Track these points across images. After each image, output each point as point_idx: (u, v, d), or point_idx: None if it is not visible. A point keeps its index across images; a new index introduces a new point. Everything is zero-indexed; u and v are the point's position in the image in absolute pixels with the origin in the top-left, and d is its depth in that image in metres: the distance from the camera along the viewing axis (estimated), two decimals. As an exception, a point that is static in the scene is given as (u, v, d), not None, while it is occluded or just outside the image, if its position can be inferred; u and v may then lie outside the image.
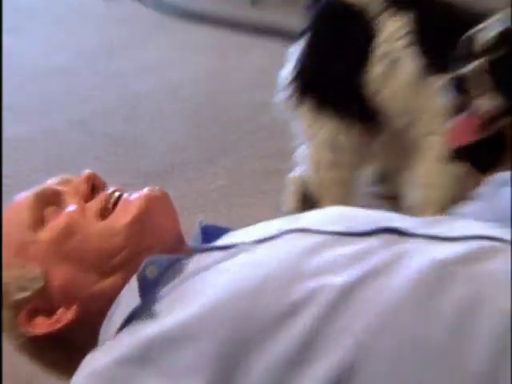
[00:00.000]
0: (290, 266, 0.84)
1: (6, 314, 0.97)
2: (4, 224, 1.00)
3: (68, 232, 0.95)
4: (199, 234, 1.03)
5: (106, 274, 0.95)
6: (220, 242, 0.97)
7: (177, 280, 0.90)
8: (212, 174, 2.51)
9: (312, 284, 0.79)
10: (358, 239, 0.86)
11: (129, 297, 0.90)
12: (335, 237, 0.88)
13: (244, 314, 0.79)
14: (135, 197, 0.98)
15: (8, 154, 2.34)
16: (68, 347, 0.97)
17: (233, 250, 0.92)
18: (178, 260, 0.94)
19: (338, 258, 0.83)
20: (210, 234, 1.02)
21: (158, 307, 0.86)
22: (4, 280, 0.96)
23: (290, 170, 2.20)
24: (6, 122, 2.74)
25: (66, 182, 1.03)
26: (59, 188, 1.02)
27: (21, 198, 1.02)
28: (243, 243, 0.92)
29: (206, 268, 0.89)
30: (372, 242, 0.85)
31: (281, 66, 2.00)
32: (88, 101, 3.15)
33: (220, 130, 2.85)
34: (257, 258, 0.88)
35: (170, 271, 0.92)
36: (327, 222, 0.92)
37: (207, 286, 0.85)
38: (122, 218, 0.96)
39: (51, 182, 1.04)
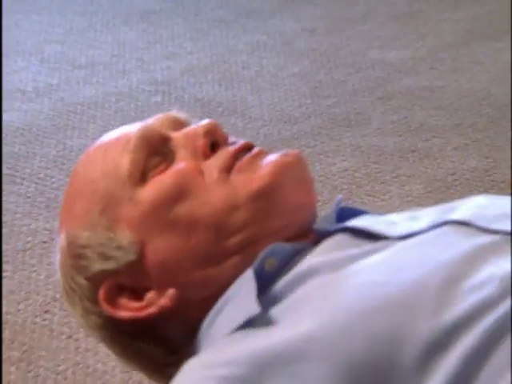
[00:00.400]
0: (445, 276, 0.66)
1: (82, 286, 0.81)
2: (87, 167, 0.85)
3: (178, 195, 0.78)
4: (333, 214, 0.82)
5: (216, 257, 0.78)
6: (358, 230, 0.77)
7: (297, 276, 0.73)
8: (333, 151, 2.02)
9: (471, 306, 0.63)
10: None
11: (243, 296, 0.74)
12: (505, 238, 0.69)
13: (380, 338, 0.63)
14: (267, 161, 0.80)
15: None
16: (154, 341, 0.81)
17: (369, 246, 0.74)
18: (304, 249, 0.76)
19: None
20: (345, 217, 0.81)
21: (274, 311, 0.70)
22: (81, 241, 0.81)
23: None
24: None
25: (176, 125, 0.86)
26: (169, 133, 0.84)
27: (116, 138, 0.85)
28: (385, 236, 0.75)
29: (335, 265, 0.71)
30: None
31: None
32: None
33: (342, 97, 2.30)
34: (401, 261, 0.70)
35: (291, 262, 0.75)
36: (494, 216, 0.73)
37: (335, 293, 0.68)
38: (247, 186, 0.78)
39: (158, 123, 0.86)
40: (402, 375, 0.63)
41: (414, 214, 0.81)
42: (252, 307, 0.71)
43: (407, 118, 2.10)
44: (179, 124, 0.87)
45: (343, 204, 0.86)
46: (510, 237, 0.70)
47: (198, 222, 0.78)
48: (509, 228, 0.71)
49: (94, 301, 0.81)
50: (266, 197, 0.78)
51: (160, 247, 0.79)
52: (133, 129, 0.84)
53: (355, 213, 0.84)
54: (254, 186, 0.78)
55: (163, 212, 0.78)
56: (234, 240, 0.78)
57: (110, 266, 0.80)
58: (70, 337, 1.46)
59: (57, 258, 0.86)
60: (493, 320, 0.62)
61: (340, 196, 0.87)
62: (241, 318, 0.71)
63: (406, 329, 0.64)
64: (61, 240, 0.84)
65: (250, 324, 0.70)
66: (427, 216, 0.78)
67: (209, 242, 0.78)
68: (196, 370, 0.69)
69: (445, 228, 0.74)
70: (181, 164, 0.80)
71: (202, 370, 0.68)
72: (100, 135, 0.90)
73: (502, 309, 0.63)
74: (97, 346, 1.38)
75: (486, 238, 0.70)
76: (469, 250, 0.70)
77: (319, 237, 0.79)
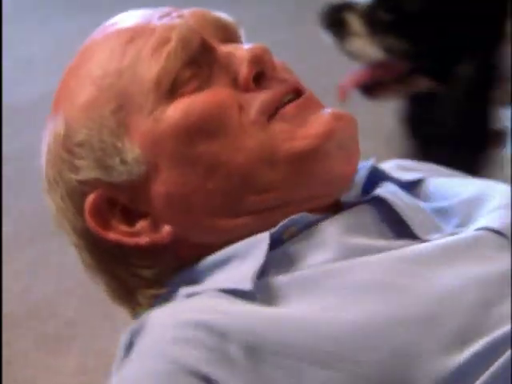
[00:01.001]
0: (480, 296, 0.59)
1: (68, 188, 0.69)
2: (105, 51, 0.69)
3: (207, 127, 0.66)
4: (361, 181, 0.72)
5: (230, 210, 0.67)
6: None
7: (309, 249, 0.64)
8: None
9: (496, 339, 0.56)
10: None
11: (251, 259, 0.63)
12: None
13: (399, 352, 0.56)
14: (318, 117, 0.68)
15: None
16: (131, 268, 0.69)
17: (393, 240, 0.66)
18: (324, 218, 0.67)
19: None
20: (376, 181, 0.72)
21: (279, 283, 0.62)
22: (79, 138, 0.68)
23: None
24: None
25: (220, 33, 0.71)
26: (212, 43, 0.69)
27: (145, 27, 0.69)
28: (413, 231, 0.67)
29: (350, 252, 0.63)
30: None
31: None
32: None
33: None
34: (431, 267, 0.62)
35: (305, 232, 0.66)
36: None
37: (354, 289, 0.60)
38: (289, 142, 0.66)
39: (199, 24, 0.69)
40: None
41: (445, 206, 0.73)
42: (249, 275, 0.63)
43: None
44: (225, 33, 0.72)
45: (375, 165, 0.75)
46: None
47: (222, 166, 0.66)
48: None
49: (78, 208, 0.69)
50: (306, 161, 0.67)
51: (170, 179, 0.67)
52: (167, 21, 0.69)
53: (387, 178, 0.74)
54: (296, 144, 0.67)
55: (185, 142, 0.67)
56: (255, 198, 0.67)
57: (105, 177, 0.68)
58: None
59: (46, 139, 0.72)
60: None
61: (372, 159, 0.75)
62: (242, 284, 0.62)
63: (426, 346, 0.57)
64: (56, 123, 0.71)
65: (242, 293, 0.62)
66: (460, 212, 0.71)
67: (227, 191, 0.67)
68: (168, 327, 0.61)
69: (482, 234, 0.66)
70: (218, 90, 0.67)
71: (175, 328, 0.60)
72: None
73: None
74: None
75: None
76: (505, 269, 0.62)
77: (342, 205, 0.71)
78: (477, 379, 0.56)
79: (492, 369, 0.56)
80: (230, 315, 0.59)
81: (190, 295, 0.65)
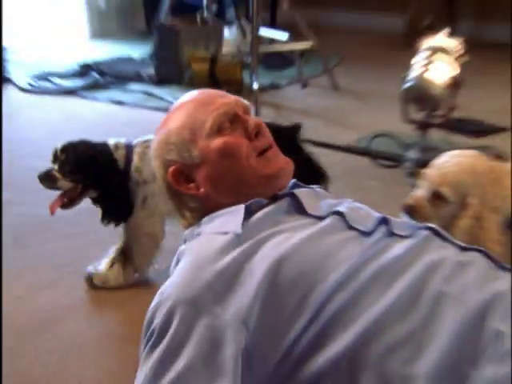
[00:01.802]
0: (337, 252, 1.14)
1: (163, 161, 1.31)
2: (191, 108, 1.31)
3: (231, 152, 1.25)
4: (289, 187, 1.33)
5: (231, 191, 1.27)
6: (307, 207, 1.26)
7: (266, 219, 1.21)
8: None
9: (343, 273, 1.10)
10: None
11: (235, 215, 1.21)
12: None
13: (308, 270, 1.11)
14: (277, 162, 1.30)
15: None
16: (182, 201, 1.33)
17: (299, 218, 1.23)
18: (270, 203, 1.25)
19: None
20: (295, 187, 1.34)
21: (246, 236, 1.16)
22: (171, 139, 1.29)
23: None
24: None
25: (242, 109, 1.31)
26: (240, 113, 1.29)
27: (213, 99, 1.31)
28: (306, 212, 1.25)
29: (279, 224, 1.20)
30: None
31: None
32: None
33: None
34: (317, 235, 1.17)
35: (264, 210, 1.23)
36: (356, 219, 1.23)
37: (288, 245, 1.13)
38: (265, 169, 1.27)
39: (235, 103, 1.31)
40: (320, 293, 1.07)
41: (325, 203, 1.28)
42: (237, 225, 1.18)
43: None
44: (244, 109, 1.32)
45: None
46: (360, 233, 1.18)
47: (233, 168, 1.26)
48: (364, 229, 1.18)
49: (165, 171, 1.30)
50: (269, 179, 1.28)
51: (208, 170, 1.27)
52: (221, 99, 1.30)
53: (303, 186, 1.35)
54: (267, 171, 1.27)
55: (219, 154, 1.25)
56: (244, 190, 1.27)
57: (180, 160, 1.28)
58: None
59: (155, 140, 1.33)
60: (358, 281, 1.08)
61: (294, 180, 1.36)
62: (231, 228, 1.18)
63: (324, 274, 1.09)
64: (162, 133, 1.31)
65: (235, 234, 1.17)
66: (328, 206, 1.26)
67: (233, 182, 1.26)
68: (198, 253, 1.16)
69: (336, 217, 1.21)
70: (238, 137, 1.27)
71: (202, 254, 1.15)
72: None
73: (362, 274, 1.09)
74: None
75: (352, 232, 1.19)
76: (347, 236, 1.17)
77: (278, 195, 1.29)
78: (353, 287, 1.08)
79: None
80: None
81: (199, 234, 1.24)
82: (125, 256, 1.95)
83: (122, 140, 1.92)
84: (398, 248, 1.14)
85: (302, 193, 1.27)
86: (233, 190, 1.27)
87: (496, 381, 0.97)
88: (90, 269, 1.95)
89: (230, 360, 1.04)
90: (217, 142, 1.25)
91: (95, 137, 1.88)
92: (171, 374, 1.03)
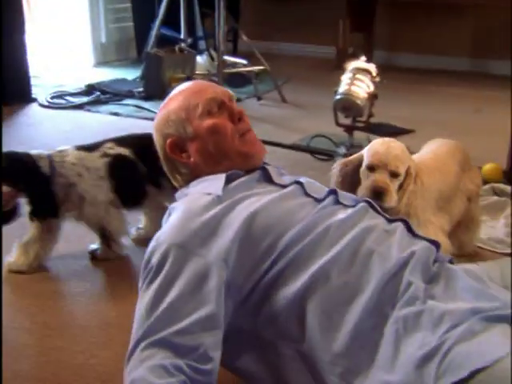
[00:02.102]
0: (295, 210, 1.16)
1: (162, 134, 1.30)
2: (185, 95, 1.29)
3: (217, 131, 1.24)
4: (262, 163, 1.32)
5: (216, 163, 1.25)
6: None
7: (242, 185, 1.20)
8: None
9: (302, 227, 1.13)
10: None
11: (218, 181, 1.19)
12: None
13: (275, 223, 1.12)
14: (254, 144, 1.29)
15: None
16: (175, 167, 1.31)
17: (269, 185, 1.24)
18: (245, 174, 1.24)
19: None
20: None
21: (226, 197, 1.16)
22: (171, 117, 1.28)
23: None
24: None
25: (229, 97, 1.30)
26: (226, 101, 1.27)
27: (203, 89, 1.29)
28: (275, 182, 1.25)
29: (253, 188, 1.21)
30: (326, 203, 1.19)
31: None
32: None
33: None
34: (283, 198, 1.18)
35: (241, 179, 1.22)
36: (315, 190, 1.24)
37: (259, 205, 1.13)
38: (243, 148, 1.26)
39: (222, 92, 1.30)
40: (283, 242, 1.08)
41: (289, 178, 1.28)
42: (218, 189, 1.17)
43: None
44: (230, 98, 1.30)
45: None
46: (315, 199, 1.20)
47: (219, 144, 1.25)
48: (317, 196, 1.20)
49: (164, 142, 1.29)
50: (245, 155, 1.26)
51: (199, 143, 1.25)
52: (212, 88, 1.30)
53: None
54: (244, 149, 1.27)
55: (208, 133, 1.24)
56: (226, 162, 1.25)
57: (177, 133, 1.27)
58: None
59: (156, 117, 1.32)
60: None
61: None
62: (214, 190, 1.16)
63: (287, 227, 1.10)
64: (163, 112, 1.30)
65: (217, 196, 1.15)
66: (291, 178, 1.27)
67: (218, 155, 1.25)
68: (187, 207, 1.15)
69: (296, 185, 1.23)
70: (225, 120, 1.26)
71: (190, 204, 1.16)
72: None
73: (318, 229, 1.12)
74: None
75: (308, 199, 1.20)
76: (304, 201, 1.19)
77: (258, 169, 1.27)
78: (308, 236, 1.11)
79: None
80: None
81: (188, 194, 1.22)
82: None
83: (43, 151, 1.80)
84: (343, 214, 1.16)
85: (270, 168, 1.28)
86: (217, 161, 1.25)
87: (406, 318, 0.98)
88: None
89: (214, 290, 1.03)
90: (208, 122, 1.24)
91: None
92: (165, 302, 1.02)
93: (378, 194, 1.50)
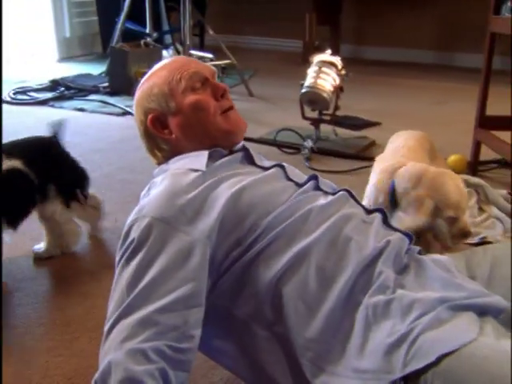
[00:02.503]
0: (281, 192, 1.16)
1: (144, 108, 1.27)
2: (167, 71, 1.27)
3: (200, 107, 1.22)
4: (241, 144, 1.30)
5: (198, 140, 1.23)
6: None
7: (226, 165, 1.18)
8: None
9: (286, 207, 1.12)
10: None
11: (201, 157, 1.18)
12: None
13: (258, 204, 1.10)
14: (236, 120, 1.27)
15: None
16: (156, 143, 1.28)
17: (251, 167, 1.23)
18: (229, 155, 1.23)
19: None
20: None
21: (210, 175, 1.14)
22: (154, 91, 1.25)
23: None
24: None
25: (212, 74, 1.28)
26: (209, 77, 1.26)
27: (185, 64, 1.27)
28: (257, 164, 1.24)
29: (235, 169, 1.18)
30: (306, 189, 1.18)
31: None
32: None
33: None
34: (266, 180, 1.17)
35: (224, 159, 1.21)
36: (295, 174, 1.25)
37: (239, 185, 1.11)
38: (225, 125, 1.24)
39: (205, 69, 1.28)
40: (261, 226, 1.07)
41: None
42: (202, 165, 1.16)
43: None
44: (213, 74, 1.29)
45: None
46: (296, 185, 1.19)
47: (201, 120, 1.23)
48: (298, 181, 1.20)
49: (145, 117, 1.27)
50: (227, 132, 1.25)
51: (181, 118, 1.23)
52: (195, 64, 1.28)
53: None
54: (226, 126, 1.24)
55: (192, 108, 1.22)
56: (207, 140, 1.23)
57: (159, 108, 1.24)
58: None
59: (139, 90, 1.29)
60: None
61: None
62: (198, 166, 1.16)
63: (271, 207, 1.10)
64: (145, 85, 1.28)
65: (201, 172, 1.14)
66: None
67: (199, 132, 1.23)
68: (165, 184, 1.12)
69: (278, 168, 1.22)
70: (208, 97, 1.24)
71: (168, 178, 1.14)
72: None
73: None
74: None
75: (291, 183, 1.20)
76: (286, 184, 1.18)
77: (234, 150, 1.26)
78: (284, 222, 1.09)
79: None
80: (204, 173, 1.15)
81: (167, 170, 1.20)
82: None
83: None
84: (324, 199, 1.16)
85: (252, 151, 1.27)
86: (198, 138, 1.23)
87: (375, 305, 0.99)
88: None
89: (198, 268, 1.02)
90: (190, 98, 1.22)
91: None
92: (147, 278, 0.99)
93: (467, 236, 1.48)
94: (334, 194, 1.20)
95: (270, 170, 1.21)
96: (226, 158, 1.21)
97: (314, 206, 1.12)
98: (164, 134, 1.25)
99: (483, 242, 1.89)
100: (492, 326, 0.96)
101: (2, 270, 1.65)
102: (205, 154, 1.19)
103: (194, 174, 1.13)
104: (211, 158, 1.19)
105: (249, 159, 1.25)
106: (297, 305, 1.02)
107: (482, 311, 0.98)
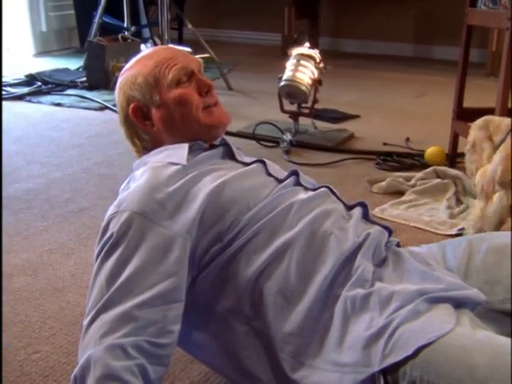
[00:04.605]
0: (260, 187, 1.15)
1: (127, 96, 1.25)
2: (153, 61, 1.23)
3: (185, 101, 1.21)
4: (220, 139, 1.29)
5: (179, 133, 1.22)
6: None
7: (206, 159, 1.19)
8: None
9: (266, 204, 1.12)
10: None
11: (181, 150, 1.18)
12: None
13: (239, 198, 1.10)
14: (219, 114, 1.25)
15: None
16: (136, 131, 1.26)
17: (230, 162, 1.23)
18: (209, 149, 1.23)
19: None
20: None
21: (190, 168, 1.14)
22: (137, 80, 1.23)
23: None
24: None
25: (199, 68, 1.26)
26: (196, 71, 1.24)
27: (174, 57, 1.24)
28: (237, 159, 1.24)
29: (214, 164, 1.19)
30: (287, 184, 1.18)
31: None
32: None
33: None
34: (245, 176, 1.16)
35: (204, 153, 1.21)
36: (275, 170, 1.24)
37: (220, 180, 1.11)
38: (208, 119, 1.23)
39: (192, 62, 1.26)
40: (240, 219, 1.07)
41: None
42: (183, 158, 1.15)
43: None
44: (200, 67, 1.27)
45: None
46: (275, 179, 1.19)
47: (184, 115, 1.21)
48: (279, 177, 1.19)
49: (127, 105, 1.24)
50: (208, 127, 1.23)
51: (164, 111, 1.21)
52: (183, 57, 1.25)
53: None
54: (208, 121, 1.23)
55: (175, 102, 1.20)
56: (189, 134, 1.22)
57: (142, 98, 1.22)
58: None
59: (122, 77, 1.27)
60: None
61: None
62: (178, 160, 1.15)
63: (251, 202, 1.10)
64: (129, 73, 1.25)
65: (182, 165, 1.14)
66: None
67: (181, 126, 1.22)
68: (144, 179, 1.11)
69: (258, 163, 1.22)
70: (193, 92, 1.22)
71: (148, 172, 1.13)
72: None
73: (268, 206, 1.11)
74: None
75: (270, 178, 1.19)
76: (267, 180, 1.18)
77: (214, 145, 1.26)
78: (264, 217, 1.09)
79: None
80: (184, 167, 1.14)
81: (147, 162, 1.19)
82: None
83: None
84: (304, 195, 1.16)
85: (232, 146, 1.27)
86: (180, 132, 1.22)
87: (354, 298, 0.99)
88: None
89: (178, 263, 1.01)
90: (175, 92, 1.21)
91: (40, 131, 1.81)
92: (127, 273, 0.98)
93: None
94: (314, 190, 1.20)
95: (251, 166, 1.20)
96: (207, 153, 1.21)
97: (295, 201, 1.12)
98: (145, 125, 1.23)
99: (461, 234, 1.90)
100: (469, 317, 0.97)
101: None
102: (185, 146, 1.18)
103: (175, 168, 1.12)
104: (191, 151, 1.18)
105: (229, 154, 1.25)
106: (276, 299, 1.01)
107: (459, 304, 0.98)
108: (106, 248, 1.02)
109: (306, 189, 1.20)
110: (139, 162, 1.23)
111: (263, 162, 1.22)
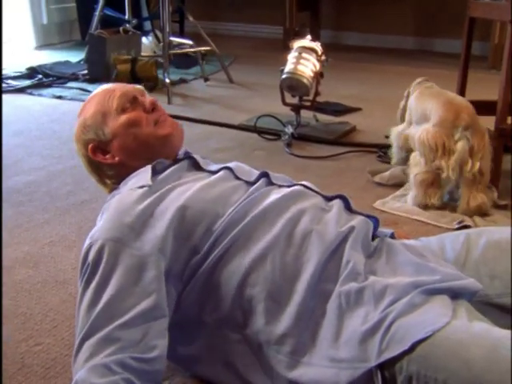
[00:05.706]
0: (228, 195, 1.15)
1: (83, 141, 1.31)
2: (100, 98, 1.29)
3: (133, 124, 1.25)
4: (184, 151, 1.33)
5: (140, 156, 1.24)
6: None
7: (171, 175, 1.20)
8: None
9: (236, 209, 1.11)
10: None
11: (145, 173, 1.18)
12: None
13: (210, 207, 1.10)
14: (168, 127, 1.28)
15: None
16: (103, 172, 1.30)
17: (199, 173, 1.24)
18: (173, 165, 1.24)
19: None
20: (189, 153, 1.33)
21: (156, 188, 1.15)
22: (88, 123, 1.29)
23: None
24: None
25: (141, 94, 1.31)
26: (138, 96, 1.29)
27: (114, 90, 1.30)
28: (203, 169, 1.26)
29: (182, 177, 1.21)
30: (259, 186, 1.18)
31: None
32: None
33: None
34: (211, 185, 1.17)
35: (167, 168, 1.21)
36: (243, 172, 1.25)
37: (188, 194, 1.12)
38: (158, 132, 1.26)
39: (133, 89, 1.32)
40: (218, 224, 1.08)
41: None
42: (147, 180, 1.16)
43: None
44: (141, 93, 1.32)
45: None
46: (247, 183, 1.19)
47: (138, 136, 1.25)
48: (248, 179, 1.20)
49: (85, 148, 1.30)
50: (164, 138, 1.27)
51: (119, 141, 1.25)
52: (120, 88, 1.31)
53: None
54: (162, 132, 1.27)
55: (125, 127, 1.25)
56: (147, 154, 1.25)
57: (96, 138, 1.27)
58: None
59: (77, 124, 1.32)
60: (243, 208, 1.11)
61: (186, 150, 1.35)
62: (140, 182, 1.16)
63: (221, 211, 1.10)
64: (81, 119, 1.31)
65: (148, 186, 1.14)
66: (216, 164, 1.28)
67: (139, 147, 1.25)
68: (118, 208, 1.11)
69: (226, 170, 1.23)
70: (139, 112, 1.26)
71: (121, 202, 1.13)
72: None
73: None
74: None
75: (240, 182, 1.19)
76: (236, 184, 1.18)
77: (178, 159, 1.28)
78: (242, 222, 1.08)
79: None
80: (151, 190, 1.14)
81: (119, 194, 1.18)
82: None
83: None
84: (277, 194, 1.15)
85: (197, 156, 1.28)
86: (140, 154, 1.25)
87: (348, 293, 0.99)
88: None
89: (154, 282, 1.02)
90: (122, 118, 1.25)
91: (41, 124, 1.80)
92: (105, 298, 0.99)
93: None
94: (289, 186, 1.19)
95: (218, 174, 1.21)
96: (172, 168, 1.22)
97: (268, 203, 1.12)
98: (107, 160, 1.27)
99: (462, 227, 1.90)
100: (465, 308, 0.96)
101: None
102: (148, 168, 1.20)
103: (141, 191, 1.13)
104: (155, 172, 1.20)
105: (195, 165, 1.26)
106: (267, 305, 1.01)
107: (456, 294, 0.98)
108: (85, 278, 1.04)
109: (280, 186, 1.19)
110: (111, 196, 1.24)
111: (230, 169, 1.23)
